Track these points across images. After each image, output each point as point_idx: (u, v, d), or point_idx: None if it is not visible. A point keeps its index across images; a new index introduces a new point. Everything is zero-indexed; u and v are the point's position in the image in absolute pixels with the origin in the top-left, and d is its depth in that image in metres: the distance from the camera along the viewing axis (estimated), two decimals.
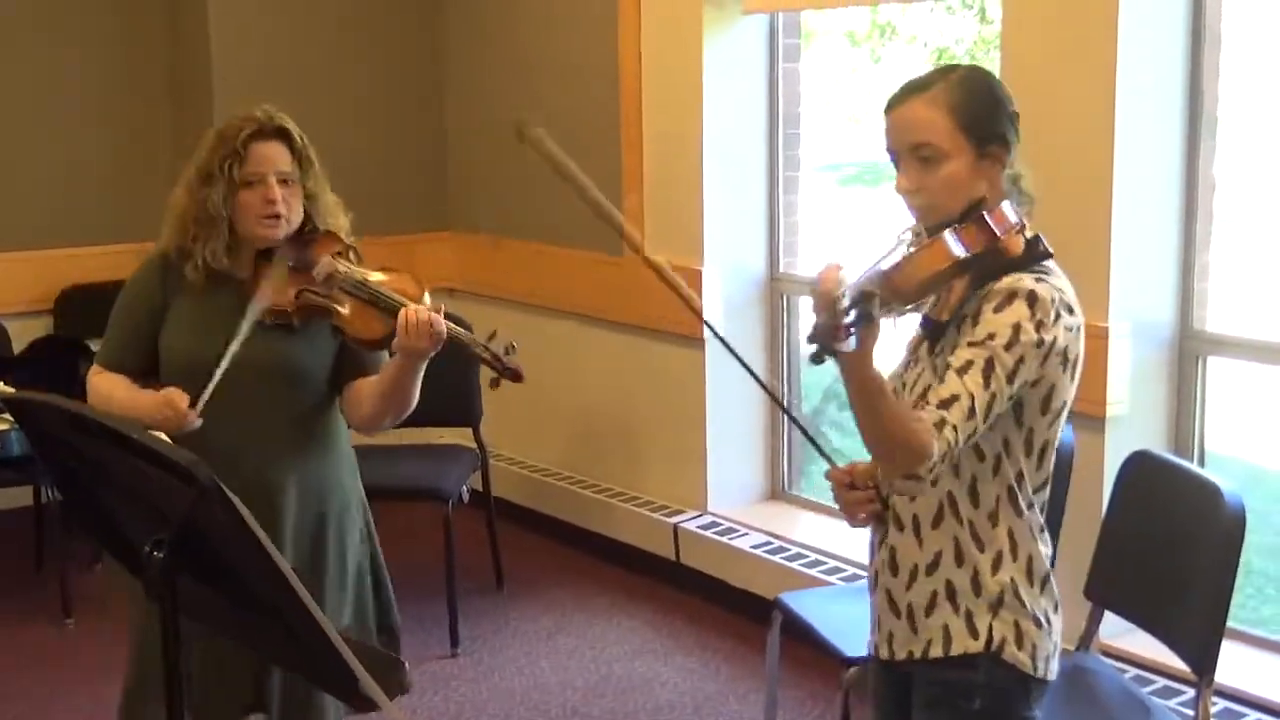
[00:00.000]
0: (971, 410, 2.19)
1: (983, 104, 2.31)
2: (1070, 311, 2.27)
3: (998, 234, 2.24)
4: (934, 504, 2.35)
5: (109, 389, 3.04)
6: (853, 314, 2.02)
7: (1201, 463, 3.84)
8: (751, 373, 2.56)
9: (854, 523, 2.48)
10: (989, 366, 2.19)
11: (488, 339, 2.95)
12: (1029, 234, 2.30)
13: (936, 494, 2.34)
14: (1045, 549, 2.38)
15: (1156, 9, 3.68)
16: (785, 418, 5.18)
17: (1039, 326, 2.21)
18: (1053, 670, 2.40)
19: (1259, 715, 3.51)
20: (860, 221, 11.34)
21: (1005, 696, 2.37)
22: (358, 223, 3.09)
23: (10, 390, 3.76)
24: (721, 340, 2.74)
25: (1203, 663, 2.88)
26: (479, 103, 5.92)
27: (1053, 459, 2.37)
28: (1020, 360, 2.21)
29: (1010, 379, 2.21)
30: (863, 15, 9.48)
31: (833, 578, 4.49)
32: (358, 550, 3.12)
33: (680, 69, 4.93)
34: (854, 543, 4.75)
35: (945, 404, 2.19)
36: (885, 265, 2.19)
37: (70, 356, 5.06)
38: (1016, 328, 2.20)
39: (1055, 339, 2.23)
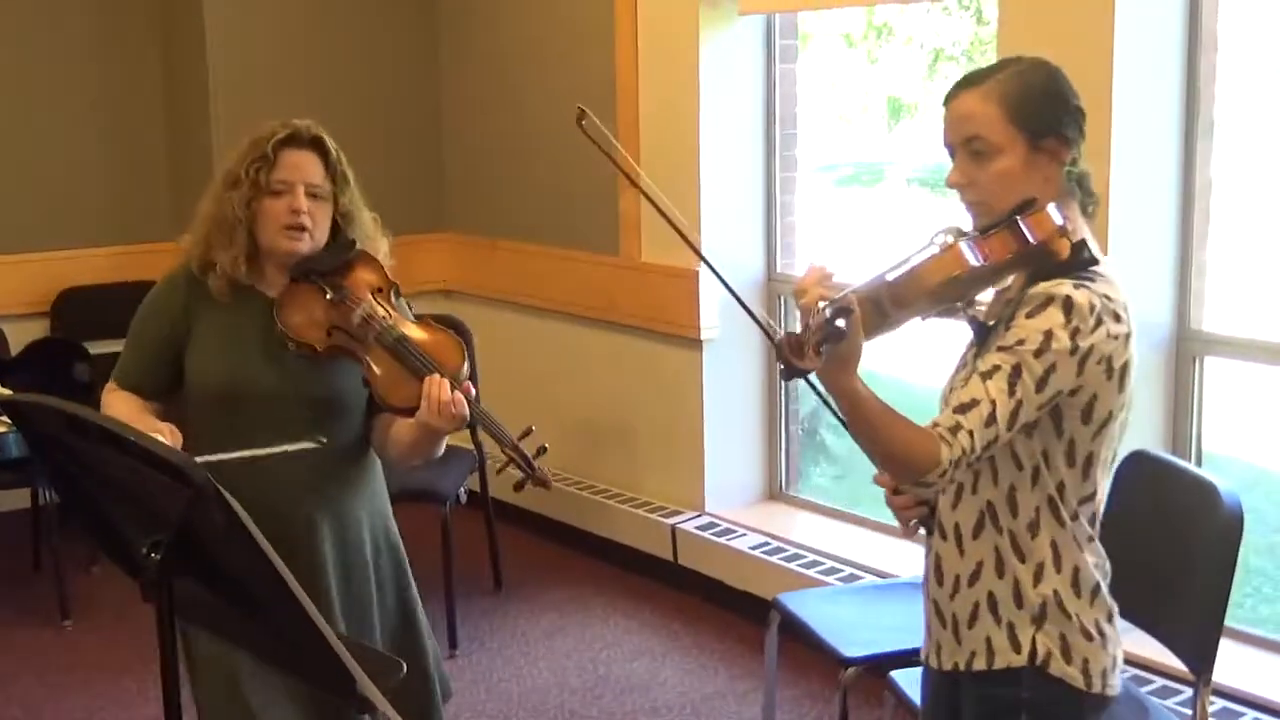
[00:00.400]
0: (991, 417, 2.12)
1: (1039, 97, 2.23)
2: (1116, 319, 2.17)
3: (1030, 240, 2.16)
4: (974, 513, 2.29)
5: (118, 412, 2.80)
6: (822, 331, 1.98)
7: (1199, 462, 3.84)
8: (750, 312, 2.51)
9: (904, 529, 2.43)
10: (1015, 373, 2.13)
11: (520, 436, 2.75)
12: (1076, 238, 2.20)
13: (976, 503, 2.29)
14: (1095, 559, 2.30)
15: (1153, 11, 3.68)
16: (784, 416, 5.19)
17: (1074, 334, 2.13)
18: (1112, 685, 2.30)
19: (1257, 714, 3.52)
20: (856, 222, 11.34)
21: (1054, 713, 2.29)
22: None
23: (7, 392, 3.76)
24: (723, 281, 2.76)
25: (1201, 662, 2.88)
26: (475, 104, 5.92)
27: (1104, 470, 2.29)
28: (1051, 368, 2.13)
29: (1040, 387, 2.13)
30: (859, 16, 9.47)
31: (831, 578, 4.49)
32: (397, 585, 2.98)
33: (677, 70, 4.93)
34: (852, 544, 4.76)
35: (963, 409, 2.13)
36: (892, 274, 2.16)
37: (67, 358, 5.07)
38: (1048, 334, 2.13)
39: (1093, 346, 2.14)
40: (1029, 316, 2.15)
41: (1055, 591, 2.26)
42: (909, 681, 3.25)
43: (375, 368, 2.76)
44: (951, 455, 2.11)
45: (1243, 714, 3.52)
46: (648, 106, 5.07)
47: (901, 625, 3.62)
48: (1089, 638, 2.28)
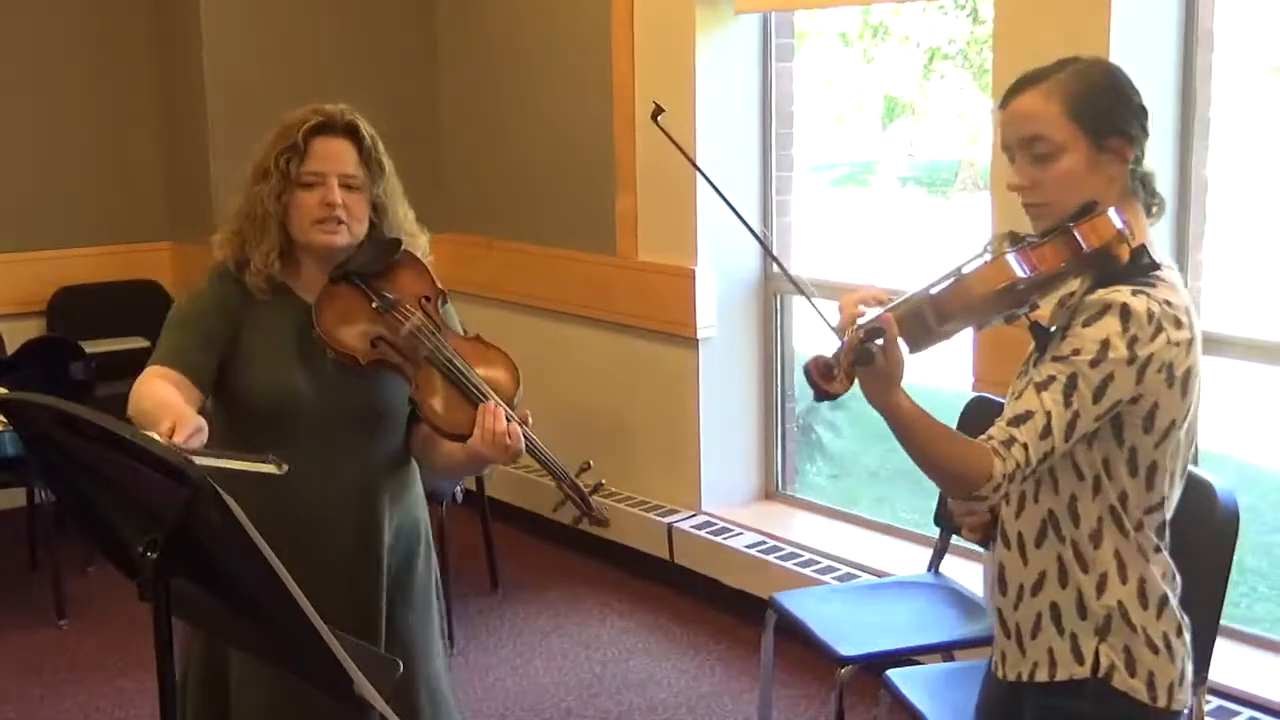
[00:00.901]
0: (1047, 429, 2.08)
1: (1101, 95, 2.18)
2: (1178, 325, 2.11)
3: (1084, 248, 2.10)
4: (1036, 521, 2.24)
5: (154, 393, 2.55)
6: (853, 354, 1.97)
7: (1195, 460, 3.83)
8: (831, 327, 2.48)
9: (966, 535, 2.41)
10: (1071, 384, 2.08)
11: (578, 471, 2.61)
12: (1138, 241, 2.15)
13: (1038, 511, 2.24)
14: (1163, 570, 2.25)
15: (1149, 9, 3.69)
16: (780, 415, 5.19)
17: (1132, 342, 2.07)
18: (1179, 700, 2.24)
19: (1253, 713, 3.52)
20: (852, 222, 11.35)
21: None
22: None
23: (3, 391, 3.75)
24: (799, 285, 2.76)
25: (1197, 661, 2.87)
26: (472, 103, 5.92)
27: (1171, 480, 2.24)
28: (1109, 378, 2.08)
29: (1097, 398, 2.08)
30: (855, 16, 9.47)
31: (827, 577, 4.49)
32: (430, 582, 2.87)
33: (673, 69, 4.93)
34: (848, 543, 4.76)
35: (1017, 420, 2.09)
36: (936, 288, 2.10)
37: (63, 357, 5.07)
38: (1105, 343, 2.07)
39: (1152, 355, 2.08)
40: (1085, 325, 2.10)
41: (1120, 603, 2.21)
42: (905, 680, 3.25)
43: (424, 388, 2.56)
44: (1005, 469, 2.07)
45: (1239, 713, 3.52)
46: (644, 106, 5.06)
47: (897, 624, 3.63)
48: (1155, 651, 2.22)
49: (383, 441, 2.69)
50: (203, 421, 2.41)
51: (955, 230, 10.24)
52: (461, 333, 2.71)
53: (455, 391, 2.55)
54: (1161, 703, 2.22)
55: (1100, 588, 2.21)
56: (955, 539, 3.84)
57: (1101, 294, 2.10)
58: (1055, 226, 2.14)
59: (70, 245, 5.82)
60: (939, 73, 10.26)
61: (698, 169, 2.71)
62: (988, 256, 2.14)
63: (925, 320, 2.12)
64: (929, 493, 3.69)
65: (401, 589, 2.76)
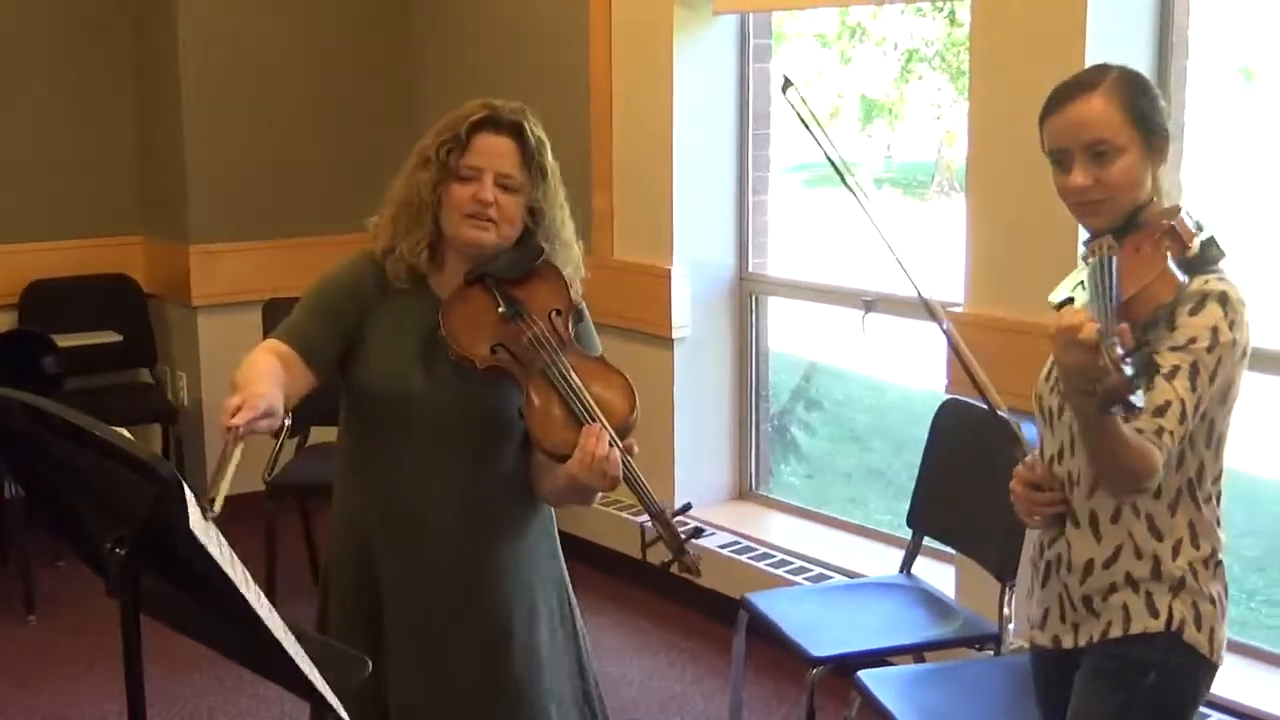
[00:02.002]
0: (1183, 414, 2.23)
1: (1147, 98, 2.36)
2: (1245, 301, 2.31)
3: (1188, 243, 2.27)
4: (1113, 500, 2.36)
5: (255, 364, 2.49)
6: (1132, 366, 2.02)
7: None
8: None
9: (1031, 523, 2.48)
10: (1194, 370, 2.24)
11: (675, 511, 2.54)
12: (1204, 236, 2.32)
13: None
14: (1223, 538, 2.42)
15: (1125, 15, 3.70)
16: (755, 415, 5.19)
17: (1232, 325, 2.26)
18: (1220, 656, 2.41)
19: (1220, 716, 3.53)
20: (827, 223, 11.36)
21: (1180, 676, 2.38)
22: (328, 218, 2.91)
23: None
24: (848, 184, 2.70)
25: None
26: (449, 102, 5.87)
27: (1225, 450, 2.40)
28: (1220, 361, 2.25)
29: (1212, 380, 2.26)
30: (833, 17, 9.49)
31: (799, 578, 4.50)
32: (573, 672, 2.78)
33: (651, 69, 4.93)
34: (821, 543, 4.76)
35: (1160, 411, 2.22)
36: (1114, 300, 2.17)
37: (36, 351, 5.04)
38: (1215, 330, 2.25)
39: (1245, 337, 2.29)
40: (1192, 314, 2.25)
41: (1190, 564, 2.35)
42: (876, 681, 3.26)
43: (535, 400, 2.49)
44: (1162, 458, 2.23)
45: (1209, 715, 3.53)
46: (622, 105, 5.07)
47: (870, 625, 3.64)
48: (1214, 605, 2.39)
49: (495, 455, 2.62)
50: (278, 407, 2.36)
51: (931, 232, 10.27)
52: (592, 352, 2.66)
53: (563, 408, 2.49)
54: (1216, 657, 2.39)
55: (1175, 551, 2.35)
56: (928, 540, 3.85)
57: (1198, 284, 2.27)
58: (1156, 229, 2.28)
59: (43, 239, 5.78)
60: (916, 74, 10.29)
61: (826, 154, 2.69)
62: (1110, 273, 2.20)
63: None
64: (902, 494, 3.70)
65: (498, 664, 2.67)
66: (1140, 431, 2.21)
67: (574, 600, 2.84)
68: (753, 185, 5.07)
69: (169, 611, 2.03)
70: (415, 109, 6.03)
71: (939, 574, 3.99)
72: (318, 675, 1.77)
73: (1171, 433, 2.22)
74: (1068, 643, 2.45)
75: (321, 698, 1.79)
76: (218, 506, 2.16)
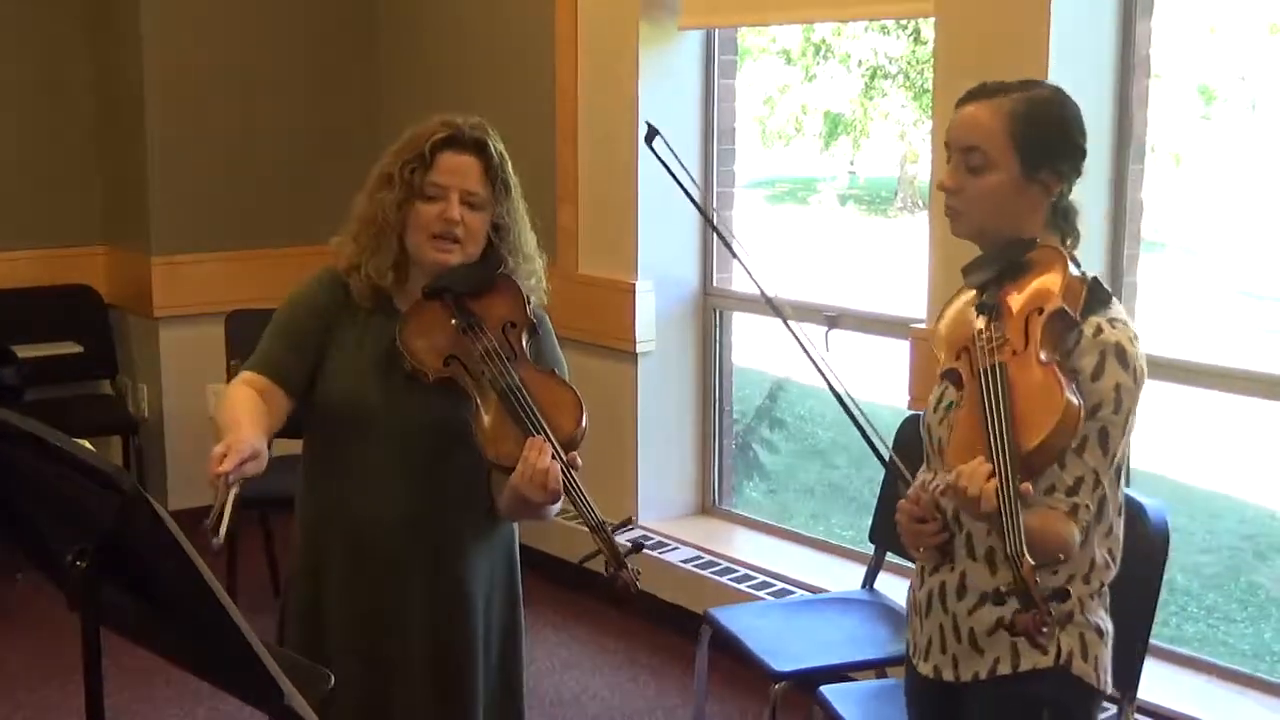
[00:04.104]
0: (1096, 482, 2.20)
1: (1045, 127, 2.27)
2: (1137, 336, 2.25)
3: (1076, 319, 2.19)
4: None
5: (235, 403, 2.52)
6: (1053, 610, 1.95)
7: (1126, 481, 3.87)
8: None
9: (917, 555, 2.40)
10: (1104, 436, 2.19)
11: (616, 526, 2.54)
12: (1089, 277, 2.25)
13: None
14: (1116, 568, 2.36)
15: (1087, 34, 3.73)
16: (718, 431, 5.19)
17: (1134, 375, 2.20)
18: (1107, 682, 2.36)
19: None
20: (789, 239, 11.41)
21: (1073, 711, 2.34)
22: (290, 230, 2.92)
23: None
24: (708, 218, 2.72)
25: (1125, 680, 2.91)
26: (413, 116, 5.86)
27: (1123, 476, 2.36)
28: (1129, 413, 2.21)
29: (1125, 431, 2.22)
30: (797, 34, 9.53)
31: (762, 593, 4.50)
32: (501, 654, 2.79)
33: (616, 83, 4.94)
34: (784, 558, 4.77)
35: (1073, 490, 2.19)
36: (1006, 441, 2.06)
37: None
38: (1118, 388, 2.19)
39: (1143, 371, 2.23)
40: (1095, 379, 2.18)
41: (1079, 598, 2.29)
42: (838, 697, 3.27)
43: (483, 412, 2.50)
44: (1080, 533, 2.20)
45: None
46: (586, 120, 5.07)
47: (832, 640, 3.64)
48: (1100, 635, 2.34)
49: (449, 467, 2.61)
50: (261, 448, 2.38)
51: (895, 248, 10.32)
52: (553, 365, 2.67)
53: (510, 421, 2.49)
54: (1102, 685, 2.34)
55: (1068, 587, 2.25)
56: (890, 556, 3.86)
57: (1090, 339, 2.19)
58: (1041, 298, 2.18)
59: (3, 248, 5.73)
60: (880, 91, 10.34)
61: (689, 196, 2.69)
62: (1041, 401, 2.10)
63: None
64: (864, 509, 3.71)
65: (440, 659, 2.69)
66: (1053, 509, 2.17)
67: (523, 620, 2.84)
68: (717, 201, 5.08)
69: (129, 624, 2.01)
70: (379, 121, 6.01)
71: (901, 590, 3.99)
72: (287, 682, 1.76)
73: (1087, 505, 2.19)
74: (949, 675, 2.38)
75: (283, 708, 1.78)
76: (222, 535, 2.20)
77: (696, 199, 2.66)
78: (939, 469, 2.34)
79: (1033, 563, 1.97)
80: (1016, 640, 2.22)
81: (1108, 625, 2.36)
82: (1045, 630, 1.96)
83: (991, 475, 2.03)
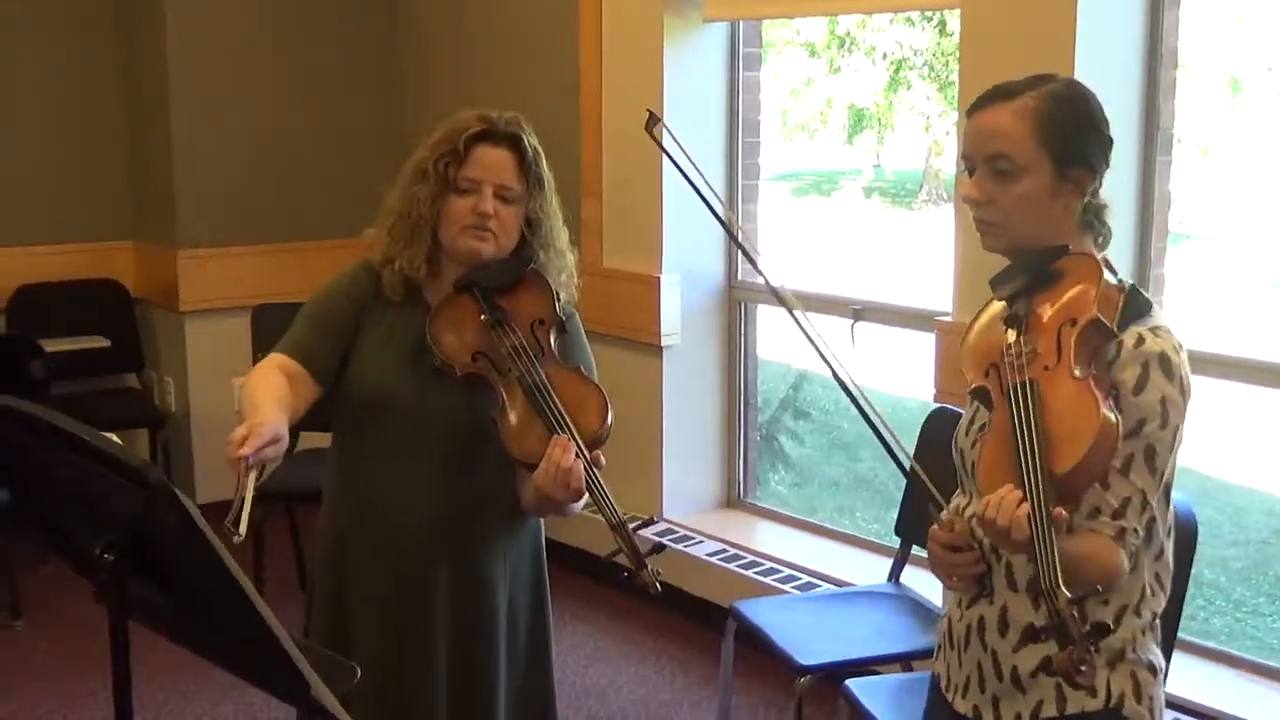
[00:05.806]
0: (1144, 503, 2.06)
1: (1072, 121, 2.13)
2: (1182, 345, 2.11)
3: (1114, 330, 2.06)
4: None
5: (259, 384, 2.51)
6: (1094, 646, 1.83)
7: None
8: None
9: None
10: (1150, 454, 2.05)
11: (638, 525, 2.53)
12: (1127, 284, 2.12)
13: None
14: (1166, 595, 2.21)
15: (1114, 25, 3.71)
16: (743, 423, 5.19)
17: (1180, 387, 2.06)
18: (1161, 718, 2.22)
19: None
20: (815, 232, 11.38)
21: None
22: (316, 224, 2.92)
23: None
24: (708, 204, 2.70)
25: None
26: (439, 110, 5.88)
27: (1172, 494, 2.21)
28: (1177, 429, 2.07)
29: (1172, 449, 2.08)
30: (821, 26, 9.50)
31: (788, 586, 4.50)
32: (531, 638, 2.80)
33: (640, 76, 4.93)
34: (809, 551, 4.76)
35: (1119, 513, 2.05)
36: (1040, 467, 1.94)
37: (23, 356, 5.02)
38: (1164, 402, 2.04)
39: (1189, 384, 2.09)
40: (1137, 391, 2.05)
41: (1133, 634, 2.16)
42: (864, 690, 3.26)
43: (508, 408, 2.50)
44: (1127, 557, 2.06)
45: None
46: (611, 113, 5.07)
47: (858, 634, 3.64)
48: (1154, 673, 2.19)
49: (476, 462, 2.62)
50: (282, 432, 2.37)
51: (920, 241, 10.29)
52: (581, 361, 2.66)
53: (534, 417, 2.48)
54: None
55: (1118, 621, 2.15)
56: (916, 549, 3.85)
57: (1130, 350, 2.06)
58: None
59: (32, 242, 5.77)
60: (905, 84, 10.30)
61: (690, 182, 2.68)
62: (1076, 419, 1.97)
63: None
64: (890, 503, 3.70)
65: (464, 646, 2.70)
66: (1097, 533, 2.04)
67: (550, 614, 2.84)
68: (742, 193, 5.07)
69: (156, 616, 2.02)
70: (403, 116, 6.03)
71: (927, 583, 3.99)
72: (314, 675, 1.76)
73: (1135, 529, 2.05)
74: (989, 717, 2.23)
75: (310, 702, 1.78)
76: (243, 528, 2.20)
77: (698, 186, 2.62)
78: (974, 493, 2.21)
79: (1069, 595, 1.84)
80: (1060, 680, 2.07)
81: (1160, 661, 2.21)
82: (1084, 669, 1.82)
83: (1022, 501, 1.91)
